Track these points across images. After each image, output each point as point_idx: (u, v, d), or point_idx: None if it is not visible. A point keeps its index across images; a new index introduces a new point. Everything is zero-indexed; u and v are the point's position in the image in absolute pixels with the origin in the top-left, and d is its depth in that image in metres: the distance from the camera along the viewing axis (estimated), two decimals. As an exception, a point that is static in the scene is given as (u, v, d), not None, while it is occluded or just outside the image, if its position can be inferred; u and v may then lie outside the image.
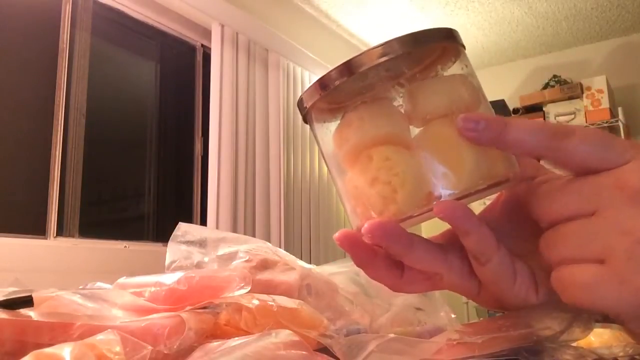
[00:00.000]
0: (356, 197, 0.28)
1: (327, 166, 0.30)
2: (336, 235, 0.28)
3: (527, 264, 0.28)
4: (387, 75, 0.28)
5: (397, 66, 0.28)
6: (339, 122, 0.28)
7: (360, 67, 0.26)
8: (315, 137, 0.30)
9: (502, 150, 0.27)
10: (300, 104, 0.29)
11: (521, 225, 0.30)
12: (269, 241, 0.69)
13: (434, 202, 0.25)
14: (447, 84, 0.28)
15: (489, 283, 0.28)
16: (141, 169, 2.22)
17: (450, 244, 0.29)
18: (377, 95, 0.28)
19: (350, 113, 0.28)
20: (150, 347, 0.28)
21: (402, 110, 0.28)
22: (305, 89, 0.28)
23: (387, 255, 0.29)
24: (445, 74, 0.29)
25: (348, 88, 0.27)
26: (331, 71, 0.26)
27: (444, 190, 0.25)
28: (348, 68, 0.26)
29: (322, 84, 0.27)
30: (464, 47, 0.29)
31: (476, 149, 0.26)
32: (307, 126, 0.30)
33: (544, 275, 0.27)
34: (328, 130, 0.29)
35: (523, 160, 0.29)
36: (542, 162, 0.29)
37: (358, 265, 0.29)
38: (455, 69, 0.29)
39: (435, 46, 0.28)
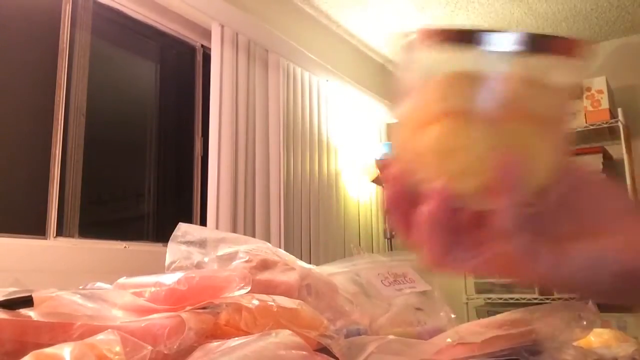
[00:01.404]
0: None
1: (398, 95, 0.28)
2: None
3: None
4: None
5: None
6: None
7: (489, 45, 0.25)
8: (407, 64, 0.28)
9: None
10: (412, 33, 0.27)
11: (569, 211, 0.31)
12: (269, 241, 0.69)
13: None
14: (547, 95, 0.26)
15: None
16: (141, 169, 2.22)
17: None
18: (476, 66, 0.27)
19: (446, 75, 0.26)
20: (150, 347, 0.28)
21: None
22: (429, 24, 0.27)
23: None
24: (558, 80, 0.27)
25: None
26: (459, 31, 0.25)
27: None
28: (477, 38, 0.25)
29: (444, 35, 0.26)
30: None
31: (542, 159, 0.26)
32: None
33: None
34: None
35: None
36: None
37: None
38: (566, 80, 0.27)
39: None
